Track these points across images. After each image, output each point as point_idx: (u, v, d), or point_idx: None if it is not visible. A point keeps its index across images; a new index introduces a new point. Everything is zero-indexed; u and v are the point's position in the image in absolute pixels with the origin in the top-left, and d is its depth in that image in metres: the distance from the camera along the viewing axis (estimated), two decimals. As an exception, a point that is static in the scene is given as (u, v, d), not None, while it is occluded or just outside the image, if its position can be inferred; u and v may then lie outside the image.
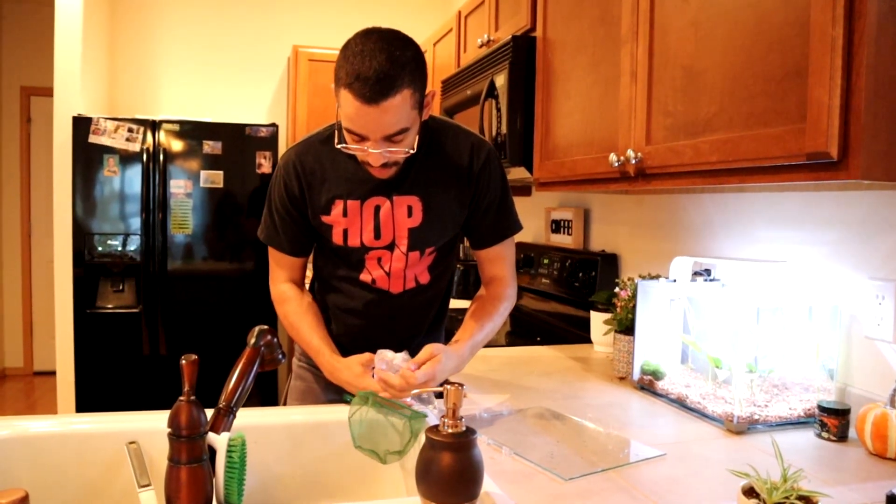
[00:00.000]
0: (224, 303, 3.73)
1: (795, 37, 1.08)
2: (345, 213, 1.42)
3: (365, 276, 1.48)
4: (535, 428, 1.35)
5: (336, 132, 1.35)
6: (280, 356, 1.10)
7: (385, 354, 1.30)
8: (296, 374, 1.66)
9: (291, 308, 1.49)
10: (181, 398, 0.84)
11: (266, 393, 3.84)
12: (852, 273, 1.43)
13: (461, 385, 0.94)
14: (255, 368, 1.04)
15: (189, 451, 0.84)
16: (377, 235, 1.43)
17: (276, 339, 1.10)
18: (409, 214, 1.42)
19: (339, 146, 1.31)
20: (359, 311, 1.51)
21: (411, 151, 1.30)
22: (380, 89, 1.18)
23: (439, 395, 1.40)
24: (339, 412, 1.33)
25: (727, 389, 1.44)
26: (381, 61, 1.18)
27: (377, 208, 1.41)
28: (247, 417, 1.28)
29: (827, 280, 1.48)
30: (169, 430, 0.84)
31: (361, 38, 1.23)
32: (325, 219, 1.43)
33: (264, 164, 3.72)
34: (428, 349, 1.31)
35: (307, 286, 1.61)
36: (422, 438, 0.98)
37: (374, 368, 1.31)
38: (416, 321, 1.56)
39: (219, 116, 4.19)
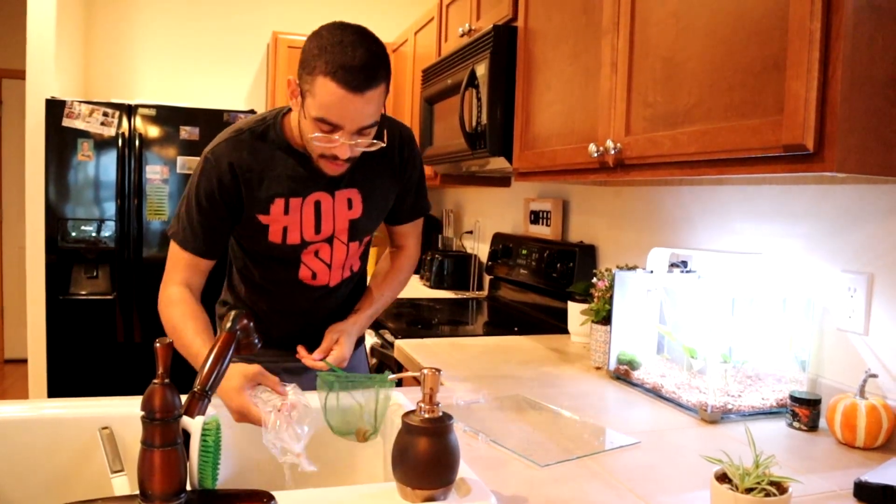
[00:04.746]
0: (200, 291, 3.68)
1: (774, 29, 1.09)
2: (286, 211, 1.39)
3: (304, 273, 1.47)
4: (511, 416, 1.35)
5: (273, 125, 1.38)
6: (256, 341, 1.09)
7: (271, 398, 1.19)
8: None
9: (178, 311, 1.33)
10: (155, 381, 0.83)
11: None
12: (826, 265, 1.45)
13: (438, 370, 0.94)
14: (230, 353, 1.03)
15: (163, 434, 0.83)
16: (318, 230, 1.43)
17: (252, 324, 1.09)
18: (350, 207, 1.45)
19: (312, 136, 1.27)
20: (296, 311, 1.52)
21: (382, 143, 1.32)
22: (364, 78, 1.20)
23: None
24: (313, 399, 1.32)
25: (702, 379, 1.46)
26: (363, 53, 1.20)
27: (317, 203, 1.41)
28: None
29: (801, 272, 1.50)
30: (142, 413, 0.83)
31: (338, 29, 1.23)
32: (262, 218, 1.38)
33: (242, 151, 3.68)
34: (330, 337, 1.40)
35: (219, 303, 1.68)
36: (395, 418, 0.98)
37: (258, 388, 1.21)
38: (348, 307, 1.57)
39: (196, 102, 4.12)
